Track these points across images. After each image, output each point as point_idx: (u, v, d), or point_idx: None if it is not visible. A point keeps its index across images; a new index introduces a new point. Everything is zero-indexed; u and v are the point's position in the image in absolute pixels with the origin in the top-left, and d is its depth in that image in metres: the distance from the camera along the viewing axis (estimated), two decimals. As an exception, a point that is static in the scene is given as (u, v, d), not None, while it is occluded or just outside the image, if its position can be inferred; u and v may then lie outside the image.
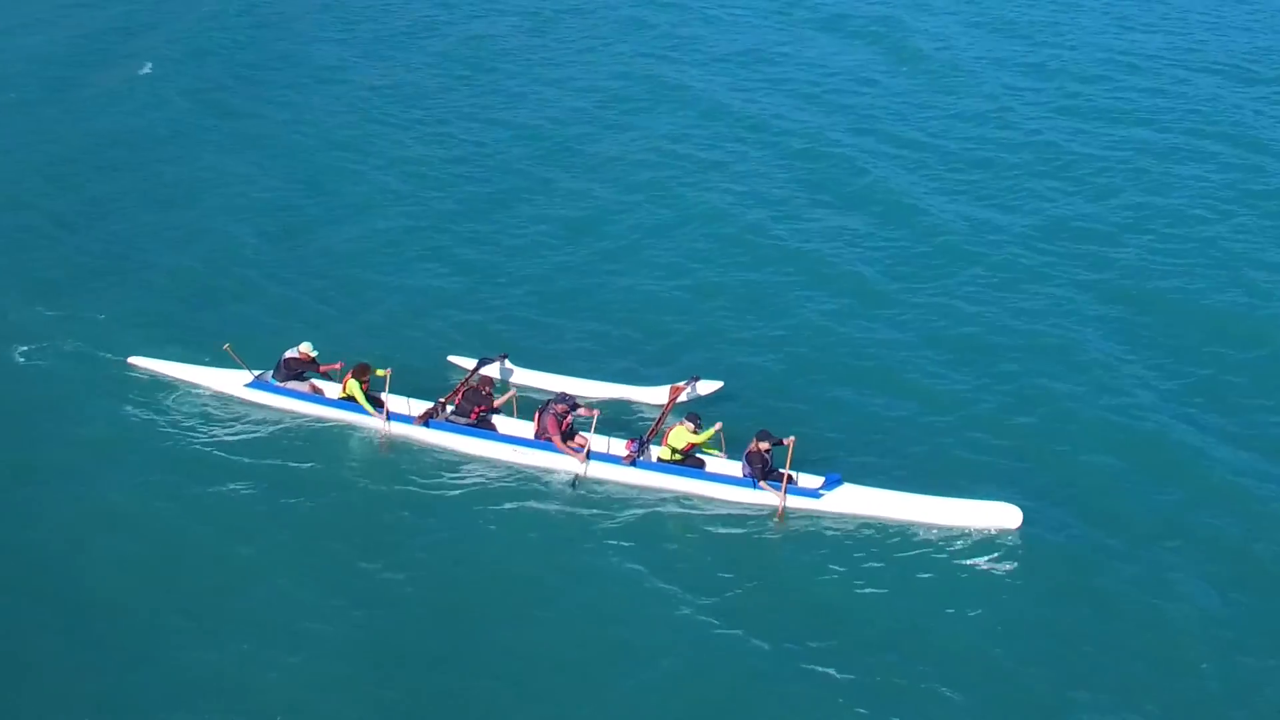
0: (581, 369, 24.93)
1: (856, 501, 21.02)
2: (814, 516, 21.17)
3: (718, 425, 21.93)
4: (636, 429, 23.13)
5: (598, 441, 22.31)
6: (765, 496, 21.35)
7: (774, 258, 29.52)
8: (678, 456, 21.91)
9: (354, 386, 23.34)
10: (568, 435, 22.33)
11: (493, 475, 22.31)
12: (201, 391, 24.36)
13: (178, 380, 24.59)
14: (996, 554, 20.35)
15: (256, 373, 24.22)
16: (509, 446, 22.60)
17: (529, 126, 36.70)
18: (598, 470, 22.05)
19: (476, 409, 22.94)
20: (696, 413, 22.08)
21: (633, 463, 21.90)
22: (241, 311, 27.20)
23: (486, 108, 38.09)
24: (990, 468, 22.22)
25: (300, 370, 23.90)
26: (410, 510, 21.41)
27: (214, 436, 23.24)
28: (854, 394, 24.39)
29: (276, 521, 20.99)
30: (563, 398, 22.42)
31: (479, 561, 20.27)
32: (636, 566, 20.10)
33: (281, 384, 24.00)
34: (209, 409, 24.00)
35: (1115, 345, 25.99)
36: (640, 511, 21.50)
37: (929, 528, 20.75)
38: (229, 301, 27.65)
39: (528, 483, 22.13)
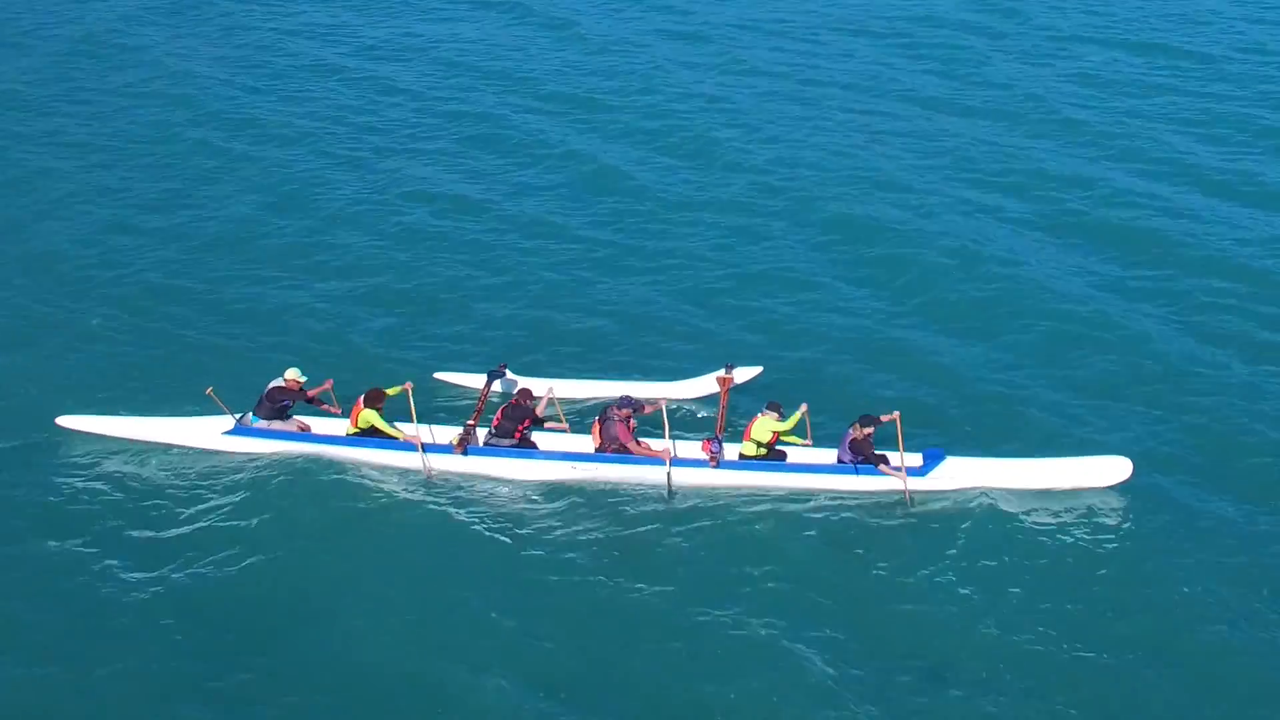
0: (592, 371, 22.74)
1: (963, 475, 19.88)
2: (924, 496, 19.83)
3: (803, 407, 20.29)
4: (686, 428, 21.21)
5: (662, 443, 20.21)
6: (866, 483, 19.88)
7: (782, 240, 28.05)
8: (762, 451, 20.12)
9: (372, 416, 20.21)
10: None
11: (562, 498, 19.81)
12: (162, 449, 20.53)
13: (128, 439, 20.67)
14: (1117, 508, 19.62)
15: (238, 416, 20.62)
16: (566, 464, 20.13)
17: (486, 129, 33.86)
18: (682, 476, 19.92)
19: (520, 426, 20.32)
20: (776, 400, 20.34)
21: (718, 464, 19.92)
22: (192, 353, 23.41)
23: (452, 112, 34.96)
24: (1076, 423, 21.56)
25: (284, 402, 20.49)
26: (491, 551, 18.71)
27: (227, 502, 19.60)
28: (905, 366, 23.19)
29: (424, 589, 17.94)
30: (625, 401, 20.19)
31: (617, 598, 17.84)
32: (770, 582, 18.14)
33: (267, 424, 20.50)
34: (180, 469, 20.26)
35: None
36: (737, 516, 19.52)
37: (1040, 492, 19.82)
38: (167, 343, 23.74)
39: (606, 501, 19.77)
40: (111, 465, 20.36)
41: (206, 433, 20.61)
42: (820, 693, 15.99)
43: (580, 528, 19.18)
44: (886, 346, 23.95)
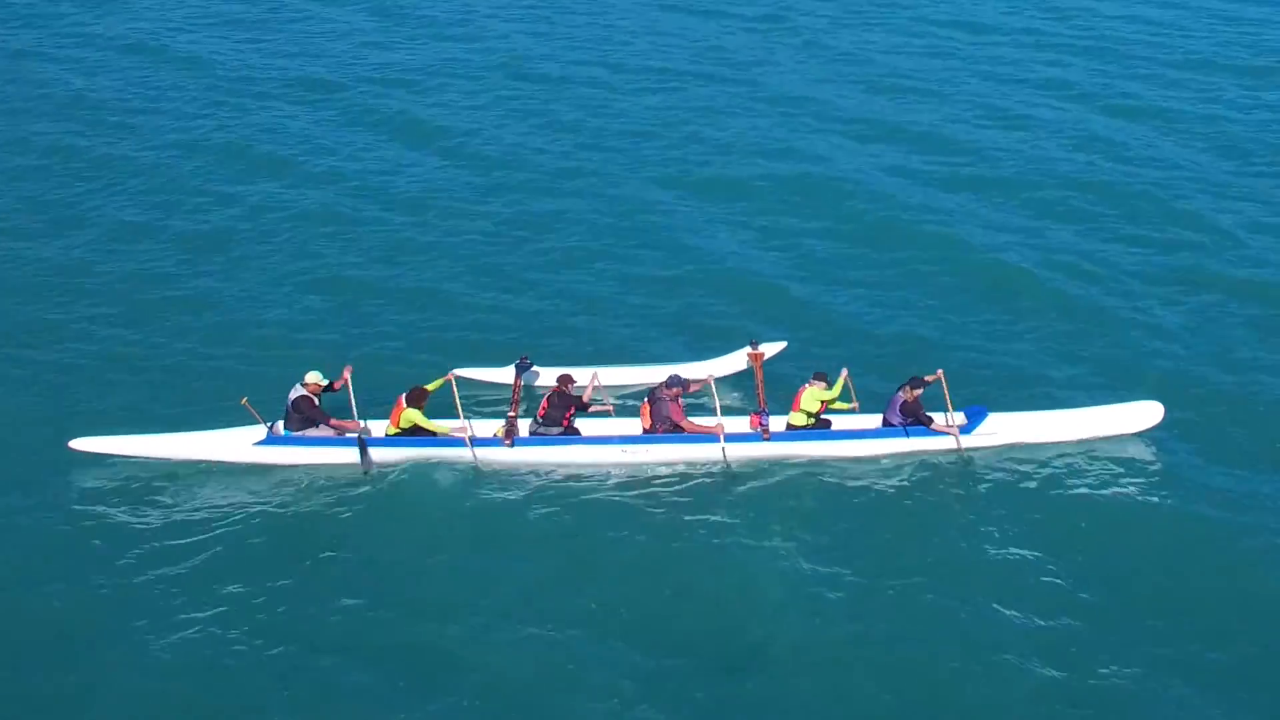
0: (614, 357, 22.42)
1: (1006, 430, 20.24)
2: (968, 454, 20.11)
3: (845, 373, 20.42)
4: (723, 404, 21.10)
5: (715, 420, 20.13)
6: (916, 444, 20.12)
7: (784, 220, 28.34)
8: (811, 420, 20.16)
9: (415, 415, 19.63)
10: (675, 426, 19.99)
11: (617, 480, 19.58)
12: (189, 466, 19.61)
13: (151, 457, 19.69)
14: (1154, 451, 20.21)
15: (269, 425, 19.83)
16: (617, 448, 19.86)
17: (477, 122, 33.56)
18: (735, 451, 19.85)
19: (567, 414, 19.99)
20: (821, 370, 20.40)
21: (770, 436, 19.89)
22: (199, 367, 22.38)
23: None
24: (1099, 371, 22.26)
25: (312, 411, 19.73)
26: (559, 537, 18.37)
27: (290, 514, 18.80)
28: (931, 327, 23.56)
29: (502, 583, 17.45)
30: (673, 380, 20.00)
31: (681, 574, 17.66)
32: (830, 547, 18.18)
33: (301, 433, 19.75)
34: (217, 484, 19.43)
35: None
36: (794, 486, 19.55)
37: (1080, 441, 20.29)
38: (169, 359, 22.73)
39: (662, 481, 19.62)
40: (140, 486, 19.29)
41: (237, 445, 19.74)
42: (891, 650, 16.19)
43: (642, 508, 18.97)
44: (902, 313, 24.41)
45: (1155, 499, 19.20)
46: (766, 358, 21.65)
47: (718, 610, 16.81)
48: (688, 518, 18.77)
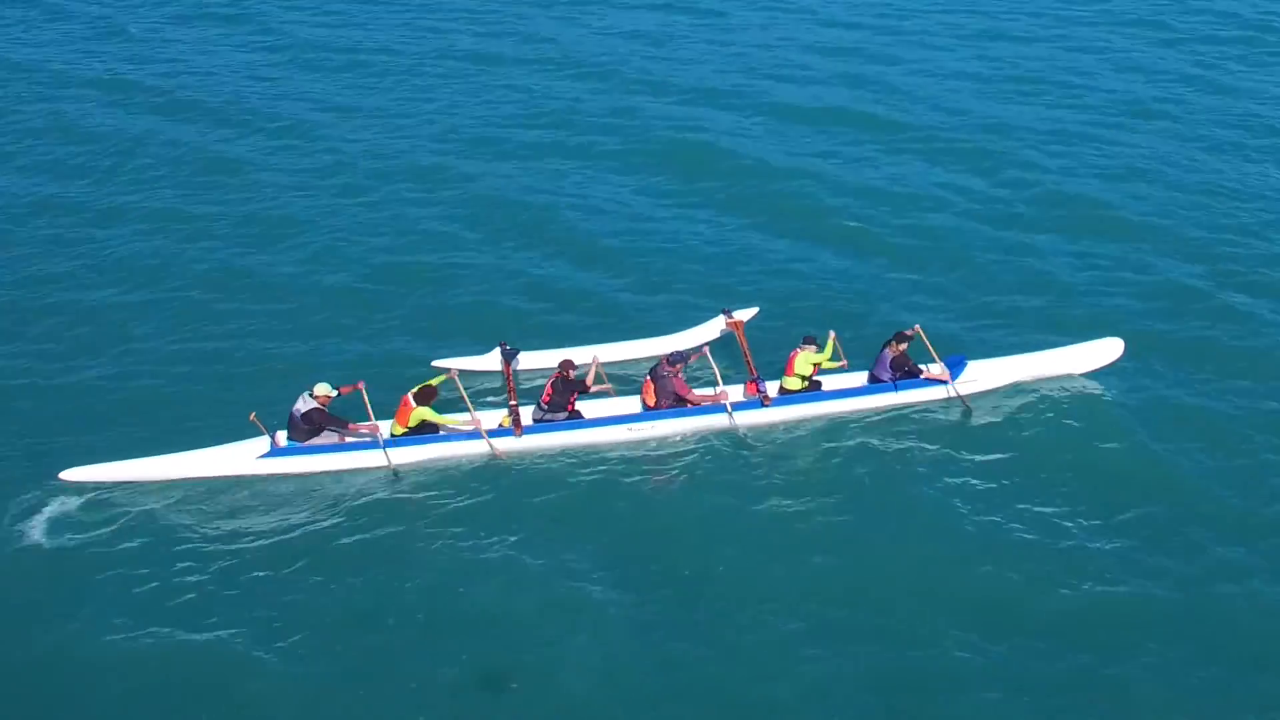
0: (592, 337, 22.59)
1: (986, 375, 21.21)
2: (957, 400, 21.02)
3: (832, 334, 21.07)
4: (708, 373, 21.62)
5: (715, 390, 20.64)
6: (907, 396, 20.93)
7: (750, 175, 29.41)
8: (805, 384, 20.77)
9: (426, 413, 19.53)
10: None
11: (628, 461, 19.82)
12: (191, 486, 19.16)
13: (150, 480, 19.15)
14: (1116, 382, 21.52)
15: (273, 434, 19.50)
16: (623, 427, 20.15)
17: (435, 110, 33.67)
18: (738, 419, 20.36)
19: (572, 398, 20.16)
20: (809, 333, 21.01)
21: (771, 402, 20.44)
22: (180, 385, 21.69)
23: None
24: (1062, 314, 23.55)
25: (320, 423, 19.48)
26: (584, 518, 18.59)
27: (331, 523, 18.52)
28: (895, 282, 24.33)
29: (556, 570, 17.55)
30: (675, 356, 20.36)
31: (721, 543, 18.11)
32: (839, 500, 18.92)
33: (309, 444, 19.48)
34: (224, 501, 19.00)
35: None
36: (799, 447, 20.17)
37: (1052, 379, 21.44)
38: (153, 378, 21.89)
39: (671, 454, 19.99)
40: (144, 510, 18.69)
41: (241, 459, 19.32)
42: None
43: (660, 484, 19.37)
44: (865, 273, 25.31)
45: (1124, 426, 20.45)
46: (734, 321, 22.15)
47: (752, 573, 17.35)
48: (702, 489, 19.17)
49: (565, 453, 19.87)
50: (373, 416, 19.63)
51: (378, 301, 24.29)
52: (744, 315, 22.51)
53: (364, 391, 19.77)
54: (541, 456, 19.78)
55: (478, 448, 19.68)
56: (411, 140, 32.03)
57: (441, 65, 37.74)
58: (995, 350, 22.03)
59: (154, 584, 17.26)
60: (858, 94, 35.05)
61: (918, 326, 21.03)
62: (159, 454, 19.41)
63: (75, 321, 23.62)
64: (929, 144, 31.36)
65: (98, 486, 19.04)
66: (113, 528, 18.39)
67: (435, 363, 21.82)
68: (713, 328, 22.44)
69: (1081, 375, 21.47)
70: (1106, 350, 21.65)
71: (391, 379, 21.05)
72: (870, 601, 16.73)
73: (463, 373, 21.53)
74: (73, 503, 18.79)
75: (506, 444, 19.78)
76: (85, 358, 22.41)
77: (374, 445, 19.49)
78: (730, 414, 20.18)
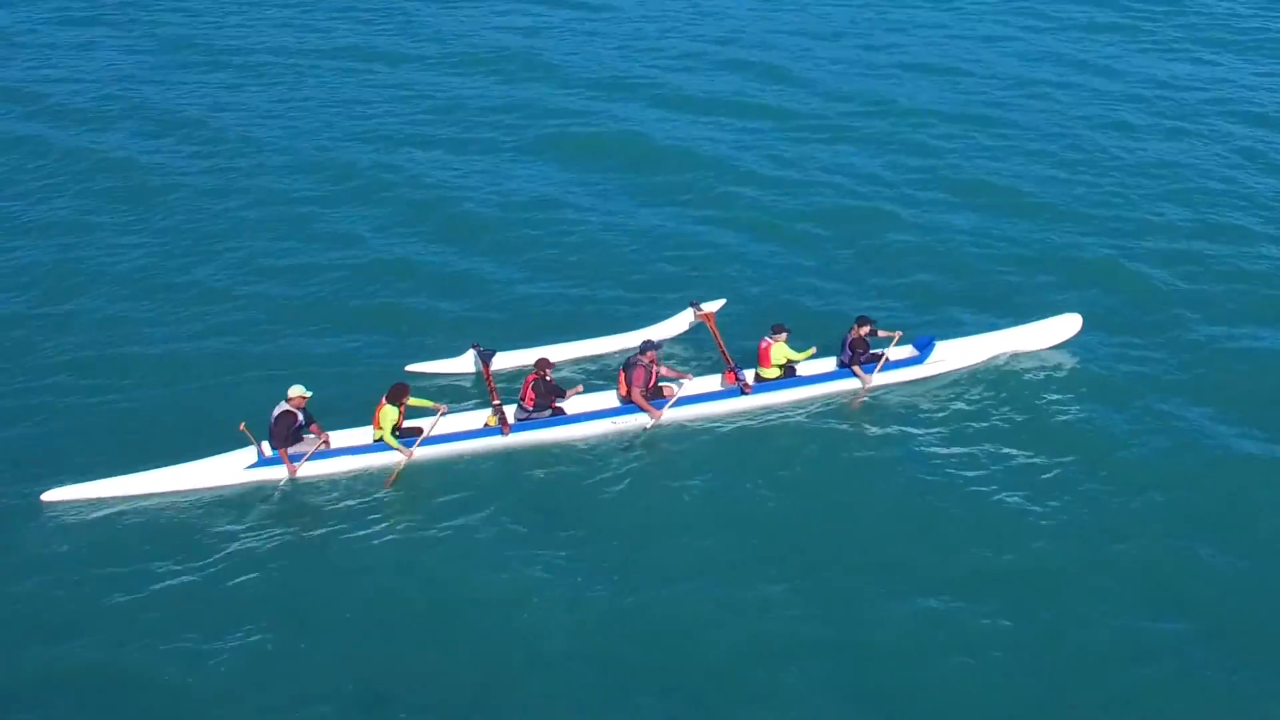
0: (563, 335, 22.75)
1: (953, 355, 21.77)
2: (920, 383, 21.55)
3: (813, 350, 21.45)
4: (681, 364, 22.06)
5: (693, 383, 20.99)
6: (879, 379, 21.37)
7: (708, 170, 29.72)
8: (781, 372, 21.17)
9: (393, 413, 19.51)
10: (654, 390, 20.70)
11: (616, 452, 20.07)
12: (179, 499, 19.02)
13: (137, 495, 19.02)
14: (1075, 357, 22.24)
15: (263, 443, 19.48)
16: (608, 420, 20.40)
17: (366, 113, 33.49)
18: (719, 407, 20.78)
19: (554, 398, 20.35)
20: (778, 322, 21.39)
21: (751, 390, 20.82)
22: (152, 403, 21.43)
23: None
24: (1021, 292, 24.27)
25: (297, 425, 19.42)
26: (575, 512, 18.82)
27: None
28: (860, 268, 24.86)
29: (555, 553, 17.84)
30: (647, 344, 20.66)
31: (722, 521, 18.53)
32: (823, 478, 19.46)
33: (293, 449, 19.44)
34: (215, 514, 18.88)
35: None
36: (776, 432, 20.56)
37: (1017, 355, 22.06)
38: (123, 397, 21.60)
39: (658, 447, 20.27)
40: (135, 527, 18.53)
41: (229, 470, 19.26)
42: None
43: (649, 475, 19.58)
44: (827, 260, 25.85)
45: (1085, 396, 21.25)
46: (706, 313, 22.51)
47: (737, 558, 17.71)
48: (685, 477, 19.45)
49: (551, 448, 20.04)
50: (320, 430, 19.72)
51: (327, 311, 24.17)
52: (712, 307, 22.81)
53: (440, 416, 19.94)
54: (529, 454, 19.92)
55: (461, 447, 19.77)
56: (323, 140, 31.86)
57: (336, 63, 37.52)
58: (955, 330, 22.59)
59: (141, 596, 17.16)
60: (753, 83, 35.57)
61: (899, 334, 21.61)
62: (142, 470, 19.25)
63: (38, 338, 23.30)
64: (842, 130, 32.15)
65: (81, 506, 18.81)
66: (100, 546, 18.16)
67: (409, 368, 21.85)
68: (682, 320, 22.72)
69: (1045, 350, 22.10)
70: (1066, 325, 22.34)
71: (366, 385, 21.05)
72: (856, 571, 17.33)
73: (437, 375, 21.72)
74: (56, 523, 18.56)
75: (492, 443, 19.90)
76: (52, 376, 22.08)
77: (359, 450, 19.50)
78: (710, 405, 20.47)
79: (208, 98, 34.75)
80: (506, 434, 19.91)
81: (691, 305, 22.76)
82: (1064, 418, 20.68)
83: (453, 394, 21.46)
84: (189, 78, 36.39)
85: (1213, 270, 25.15)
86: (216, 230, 27.24)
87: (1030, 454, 19.72)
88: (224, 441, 19.57)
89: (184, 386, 21.76)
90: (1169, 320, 23.41)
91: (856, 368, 21.15)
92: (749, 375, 21.15)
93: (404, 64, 37.54)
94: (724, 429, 20.52)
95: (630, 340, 22.21)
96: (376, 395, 20.15)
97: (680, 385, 20.70)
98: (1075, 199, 28.33)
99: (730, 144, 31.42)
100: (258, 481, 19.33)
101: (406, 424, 19.94)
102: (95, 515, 18.75)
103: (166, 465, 19.30)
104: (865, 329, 21.20)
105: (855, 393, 21.19)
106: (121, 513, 18.84)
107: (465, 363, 21.95)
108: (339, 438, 19.89)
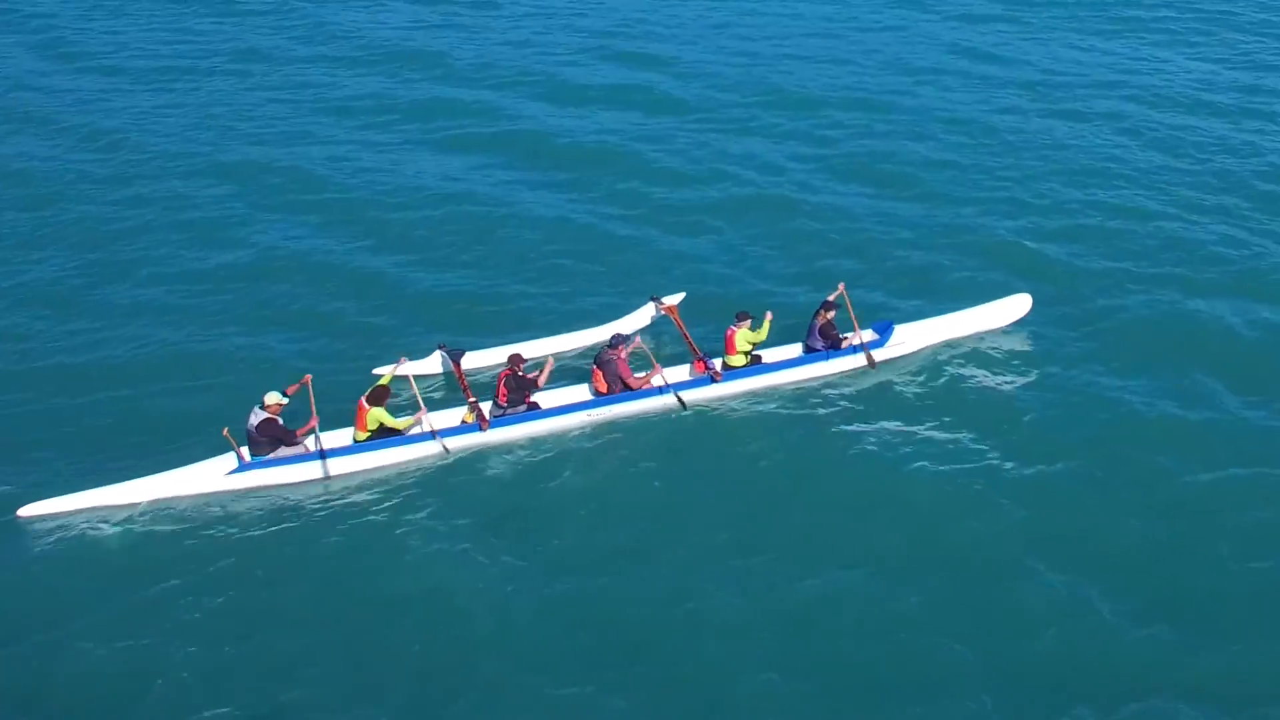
0: (526, 333, 22.99)
1: (913, 337, 22.38)
2: (886, 363, 22.16)
3: (769, 315, 21.88)
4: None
5: (665, 373, 21.36)
6: (840, 364, 21.85)
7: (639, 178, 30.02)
8: (747, 359, 21.60)
9: (382, 414, 19.73)
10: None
11: (593, 445, 20.39)
12: (161, 507, 18.96)
13: (117, 505, 18.93)
14: (1025, 336, 23.04)
15: (243, 449, 19.48)
16: (583, 413, 20.69)
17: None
18: (691, 396, 21.08)
19: (527, 393, 20.58)
20: (742, 310, 21.83)
21: (722, 378, 21.22)
22: (125, 411, 21.27)
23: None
24: (974, 273, 25.05)
25: (276, 432, 19.49)
26: (554, 505, 19.13)
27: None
28: (807, 256, 25.41)
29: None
30: (616, 339, 20.99)
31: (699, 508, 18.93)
32: (788, 463, 19.92)
33: (275, 456, 19.47)
34: (198, 520, 18.83)
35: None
36: (746, 417, 21.02)
37: (972, 336, 22.74)
38: (94, 405, 21.42)
39: (628, 436, 20.60)
40: (115, 536, 18.46)
41: (209, 477, 19.24)
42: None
43: (623, 460, 20.00)
44: (779, 251, 26.50)
45: (1039, 373, 22.02)
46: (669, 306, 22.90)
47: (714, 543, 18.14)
48: (661, 467, 19.80)
49: (527, 443, 20.27)
50: (315, 412, 19.71)
51: (276, 317, 24.24)
52: (672, 300, 23.20)
53: (309, 386, 19.87)
54: (506, 449, 20.13)
55: (449, 444, 19.92)
56: (214, 141, 32.30)
57: (247, 65, 38.13)
58: (909, 314, 23.21)
59: (124, 607, 17.09)
60: (646, 74, 36.85)
61: (841, 286, 22.07)
62: (121, 480, 19.15)
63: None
64: (742, 120, 33.35)
65: (57, 519, 18.68)
66: (83, 557, 18.10)
67: (376, 370, 21.92)
68: (644, 315, 23.07)
69: (999, 330, 22.79)
70: (1017, 305, 23.05)
71: (336, 387, 21.12)
72: (822, 551, 17.86)
73: (405, 377, 21.82)
74: (35, 537, 18.39)
75: (470, 440, 20.07)
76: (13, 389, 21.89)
77: (348, 451, 19.58)
78: (680, 394, 20.82)
79: (99, 104, 34.80)
80: (485, 429, 20.08)
81: (652, 300, 23.13)
82: (1013, 395, 21.38)
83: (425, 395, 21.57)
84: (73, 84, 36.40)
85: (1129, 244, 26.49)
86: (137, 238, 27.17)
87: (983, 430, 20.35)
88: (194, 449, 19.70)
89: (140, 395, 21.65)
90: (1092, 294, 24.40)
91: (866, 350, 21.75)
92: (717, 364, 21.52)
93: (292, 63, 38.06)
94: (696, 417, 20.88)
95: (593, 336, 22.51)
96: (343, 400, 20.27)
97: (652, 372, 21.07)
98: (974, 183, 29.45)
99: (634, 137, 32.21)
100: (239, 488, 19.30)
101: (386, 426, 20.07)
102: (76, 528, 18.62)
103: (145, 475, 19.21)
104: (831, 314, 21.70)
105: (832, 375, 21.80)
106: (102, 524, 18.74)
107: (432, 364, 22.09)
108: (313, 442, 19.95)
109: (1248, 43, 40.08)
